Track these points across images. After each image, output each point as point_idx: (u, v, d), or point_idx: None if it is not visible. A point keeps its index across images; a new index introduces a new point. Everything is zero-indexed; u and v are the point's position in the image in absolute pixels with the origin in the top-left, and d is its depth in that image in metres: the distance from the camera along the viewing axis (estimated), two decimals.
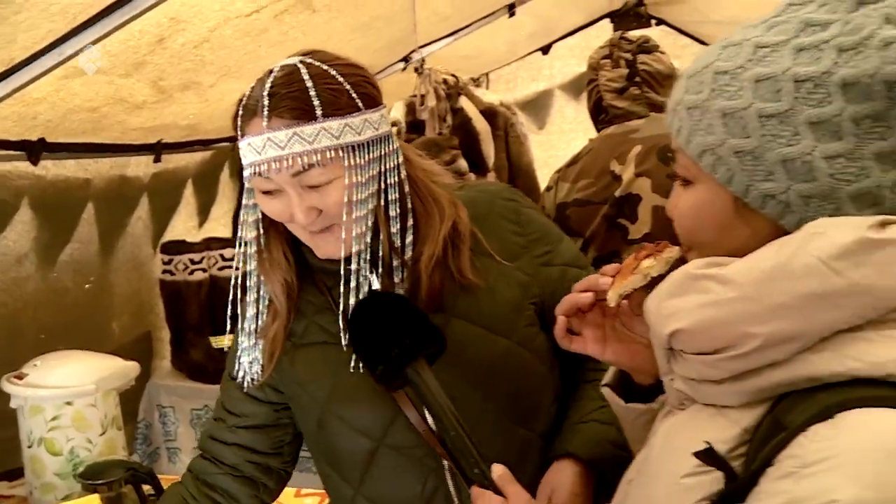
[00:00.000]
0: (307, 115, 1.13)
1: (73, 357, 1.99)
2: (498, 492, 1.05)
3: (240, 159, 1.22)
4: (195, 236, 3.23)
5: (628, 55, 2.38)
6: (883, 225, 0.75)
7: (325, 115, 1.14)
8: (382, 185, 1.21)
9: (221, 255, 3.02)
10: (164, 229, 3.08)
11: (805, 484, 0.70)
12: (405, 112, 3.29)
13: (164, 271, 2.90)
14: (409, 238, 1.25)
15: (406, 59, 3.43)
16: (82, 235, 2.56)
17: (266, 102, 1.14)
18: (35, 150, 2.13)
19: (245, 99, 1.19)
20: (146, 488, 1.79)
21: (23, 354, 2.02)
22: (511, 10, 3.68)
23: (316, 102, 1.14)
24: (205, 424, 2.90)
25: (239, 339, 1.33)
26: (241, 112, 1.19)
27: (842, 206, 0.79)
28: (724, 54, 0.85)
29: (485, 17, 3.59)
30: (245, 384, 1.33)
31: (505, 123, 3.55)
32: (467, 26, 3.56)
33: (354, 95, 1.17)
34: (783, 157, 0.80)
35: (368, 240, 1.23)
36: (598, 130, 2.42)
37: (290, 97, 1.14)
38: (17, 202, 2.25)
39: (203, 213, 3.35)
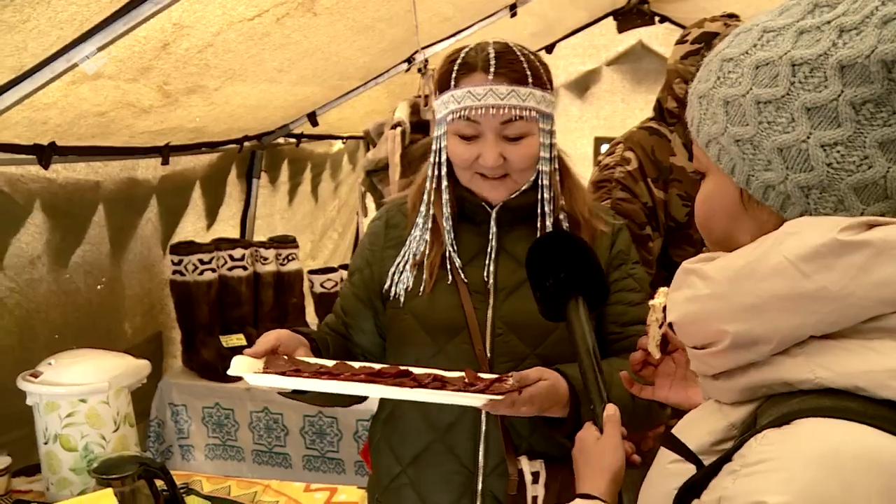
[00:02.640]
0: (522, 81, 1.46)
1: (87, 356, 2.03)
2: (601, 427, 1.22)
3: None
4: (204, 237, 3.27)
5: None
6: (869, 226, 0.71)
7: (533, 85, 1.47)
8: (552, 154, 1.54)
9: (230, 256, 3.06)
10: (173, 230, 3.12)
11: (740, 483, 0.70)
12: (409, 112, 3.31)
13: (174, 272, 2.95)
14: (563, 200, 1.58)
15: (409, 61, 3.46)
16: (93, 237, 2.60)
17: (493, 62, 1.46)
18: (45, 154, 2.17)
19: (462, 59, 1.50)
20: (159, 483, 1.83)
21: (36, 354, 2.06)
22: (513, 10, 3.71)
23: (528, 73, 1.47)
24: (217, 422, 2.95)
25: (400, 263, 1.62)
26: (457, 68, 1.49)
27: (844, 198, 0.74)
28: (735, 41, 0.83)
29: (486, 18, 3.62)
30: (395, 294, 1.60)
31: None
32: (469, 27, 3.59)
33: (545, 78, 1.51)
34: (779, 145, 0.76)
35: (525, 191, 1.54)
36: None
37: (511, 63, 1.47)
38: (29, 205, 2.29)
39: (211, 214, 3.40)
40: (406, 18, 2.78)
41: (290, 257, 3.31)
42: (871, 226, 0.71)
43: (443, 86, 1.52)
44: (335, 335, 1.69)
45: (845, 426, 0.67)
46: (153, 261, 3.01)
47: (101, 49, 1.71)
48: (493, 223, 1.56)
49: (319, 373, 1.36)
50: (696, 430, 0.84)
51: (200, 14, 1.88)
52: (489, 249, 1.56)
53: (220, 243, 3.11)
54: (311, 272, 3.46)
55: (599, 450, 1.19)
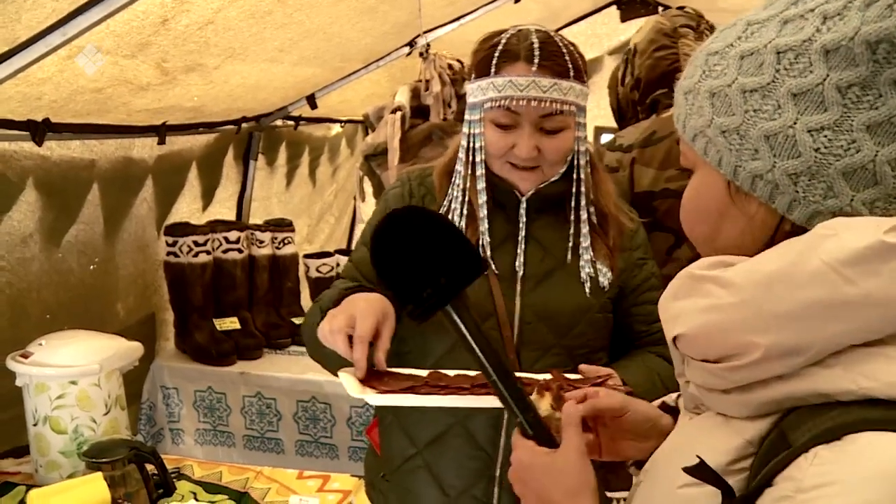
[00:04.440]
0: (564, 74, 1.45)
1: (78, 337, 2.00)
2: (543, 437, 0.97)
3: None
4: (199, 219, 3.24)
5: (708, 31, 2.24)
6: None
7: (574, 78, 1.46)
8: (583, 148, 1.54)
9: (226, 238, 3.03)
10: (168, 211, 3.09)
11: None
12: (410, 97, 3.28)
13: (169, 253, 2.91)
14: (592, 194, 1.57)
15: (411, 44, 3.42)
16: (87, 216, 2.56)
17: (538, 53, 1.44)
18: (39, 130, 2.13)
19: (503, 45, 1.47)
20: (149, 467, 1.80)
21: (28, 334, 2.03)
22: None
23: (570, 66, 1.46)
24: (208, 406, 2.92)
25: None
26: (498, 54, 1.46)
27: (833, 184, 0.72)
28: (720, 36, 0.82)
29: (490, 3, 3.58)
30: None
31: None
32: (472, 11, 3.55)
33: (583, 71, 1.50)
34: (766, 133, 0.75)
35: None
36: (661, 104, 2.15)
37: (555, 56, 1.45)
38: (21, 183, 2.25)
39: (207, 195, 3.36)
40: (409, 1, 2.75)
41: (286, 241, 3.28)
42: None
43: (481, 71, 1.50)
44: None
45: None
46: (147, 241, 2.97)
47: (98, 23, 1.67)
48: (522, 211, 1.55)
49: (439, 386, 1.30)
50: (702, 449, 0.77)
51: None
52: (519, 237, 1.55)
53: (216, 225, 3.08)
54: (307, 256, 3.43)
55: (559, 468, 0.93)
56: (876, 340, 0.68)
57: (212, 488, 1.94)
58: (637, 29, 2.31)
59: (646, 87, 2.19)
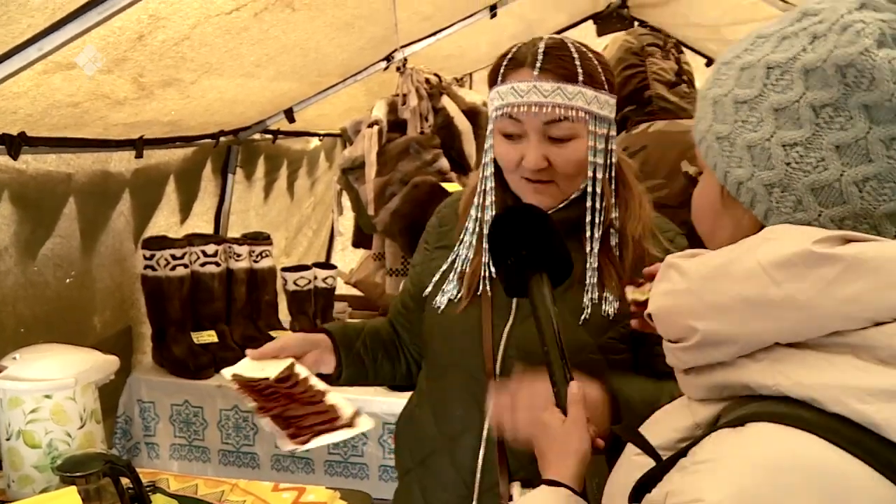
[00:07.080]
0: (571, 78, 1.37)
1: (53, 350, 2.00)
2: (564, 408, 1.16)
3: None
4: (177, 232, 3.24)
5: (675, 50, 2.25)
6: (845, 240, 0.71)
7: (584, 83, 1.37)
8: (607, 161, 1.43)
9: (203, 252, 3.04)
10: (145, 225, 3.09)
11: (686, 479, 0.72)
12: (387, 111, 3.30)
13: (146, 267, 2.91)
14: (616, 213, 1.46)
15: (388, 59, 3.45)
16: (64, 230, 2.56)
17: (540, 58, 1.37)
18: (15, 144, 2.13)
19: (512, 53, 1.42)
20: (124, 481, 1.80)
21: (2, 348, 2.02)
22: (493, 10, 3.70)
23: (579, 70, 1.37)
24: (185, 420, 2.92)
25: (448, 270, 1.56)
26: (506, 63, 1.41)
27: (802, 198, 0.77)
28: (735, 46, 0.88)
29: (466, 18, 3.61)
30: (438, 304, 1.54)
31: (486, 123, 3.57)
32: (449, 26, 3.58)
33: (604, 78, 1.40)
34: (748, 143, 0.80)
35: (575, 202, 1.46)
36: (630, 121, 2.25)
37: (560, 59, 1.37)
38: None
39: (185, 209, 3.36)
40: (386, 16, 2.77)
41: (263, 254, 3.29)
42: (847, 240, 0.71)
43: (491, 82, 1.45)
44: (391, 327, 1.73)
45: (795, 434, 0.68)
46: (125, 255, 2.97)
47: (74, 39, 1.68)
48: None
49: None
50: (664, 426, 0.86)
51: (177, 6, 1.86)
52: None
53: (193, 239, 3.08)
54: (285, 269, 3.44)
55: (564, 433, 1.12)
56: (801, 343, 0.73)
57: (187, 501, 1.94)
58: (603, 46, 2.35)
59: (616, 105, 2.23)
